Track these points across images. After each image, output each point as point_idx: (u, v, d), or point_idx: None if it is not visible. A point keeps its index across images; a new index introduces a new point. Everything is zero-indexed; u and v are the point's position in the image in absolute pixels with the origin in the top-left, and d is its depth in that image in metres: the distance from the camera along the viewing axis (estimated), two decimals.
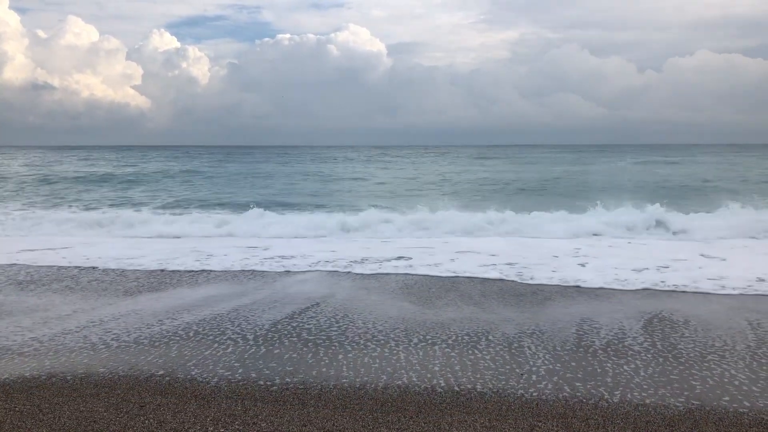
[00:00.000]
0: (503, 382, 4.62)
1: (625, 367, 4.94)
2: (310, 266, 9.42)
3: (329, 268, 9.32)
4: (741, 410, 4.11)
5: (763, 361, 5.06)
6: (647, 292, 7.61)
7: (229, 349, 5.38)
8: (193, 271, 9.15)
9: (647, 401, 4.26)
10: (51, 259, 10.15)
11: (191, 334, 5.83)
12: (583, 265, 9.49)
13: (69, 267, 9.45)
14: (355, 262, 9.79)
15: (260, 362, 5.07)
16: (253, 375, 4.78)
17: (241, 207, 18.38)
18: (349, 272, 8.98)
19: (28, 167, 45.84)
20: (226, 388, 4.52)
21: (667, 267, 9.17)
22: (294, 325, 6.13)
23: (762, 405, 4.19)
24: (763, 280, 8.14)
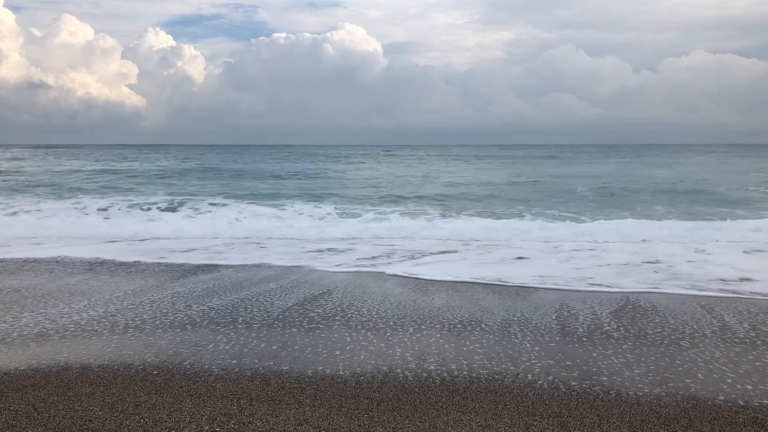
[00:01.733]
0: (499, 381, 4.63)
1: (622, 366, 4.96)
2: None
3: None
4: (736, 409, 4.14)
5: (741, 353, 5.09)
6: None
7: (229, 344, 5.38)
8: None
9: (642, 400, 4.28)
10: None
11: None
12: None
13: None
14: None
15: (256, 360, 5.08)
16: (248, 373, 4.79)
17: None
18: None
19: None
20: (221, 387, 4.51)
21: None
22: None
23: (757, 403, 4.22)
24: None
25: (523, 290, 7.74)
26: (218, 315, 6.50)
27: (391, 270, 9.05)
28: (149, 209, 18.63)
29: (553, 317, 6.40)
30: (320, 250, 11.00)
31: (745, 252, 10.75)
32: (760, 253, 10.66)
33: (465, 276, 8.59)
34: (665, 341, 5.59)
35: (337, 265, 9.50)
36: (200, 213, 17.77)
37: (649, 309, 6.73)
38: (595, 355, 5.22)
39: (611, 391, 4.43)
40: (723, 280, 8.32)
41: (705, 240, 12.03)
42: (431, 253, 10.66)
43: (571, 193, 24.69)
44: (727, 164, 48.20)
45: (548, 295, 7.44)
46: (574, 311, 6.63)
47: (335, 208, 18.72)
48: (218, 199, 20.91)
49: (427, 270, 9.04)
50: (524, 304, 7.01)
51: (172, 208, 18.87)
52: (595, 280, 8.34)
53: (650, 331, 5.89)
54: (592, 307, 6.81)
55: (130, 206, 19.15)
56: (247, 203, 19.99)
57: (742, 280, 8.33)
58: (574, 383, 4.58)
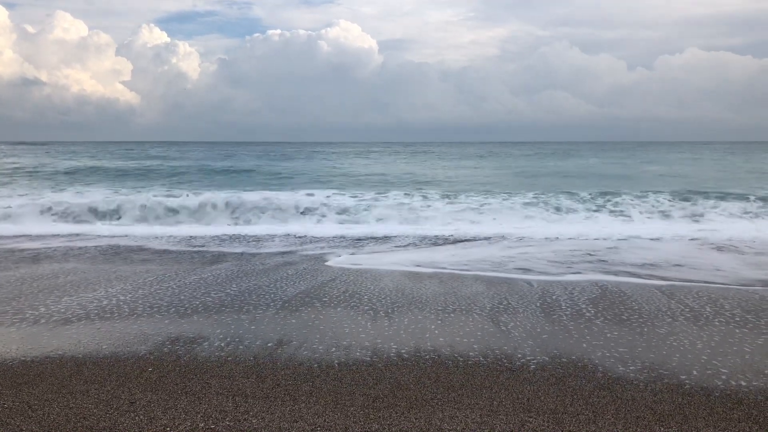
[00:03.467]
0: (494, 378, 4.64)
1: (618, 365, 4.97)
2: None
3: None
4: (731, 405, 4.15)
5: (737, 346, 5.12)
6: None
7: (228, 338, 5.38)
8: None
9: (637, 397, 4.29)
10: None
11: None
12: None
13: None
14: None
15: (251, 359, 5.07)
16: (243, 370, 4.78)
17: None
18: None
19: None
20: (216, 384, 4.51)
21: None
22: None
23: (752, 400, 4.24)
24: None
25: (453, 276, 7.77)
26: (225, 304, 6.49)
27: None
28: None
29: (538, 301, 6.43)
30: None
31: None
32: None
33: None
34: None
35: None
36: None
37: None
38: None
39: (606, 389, 4.44)
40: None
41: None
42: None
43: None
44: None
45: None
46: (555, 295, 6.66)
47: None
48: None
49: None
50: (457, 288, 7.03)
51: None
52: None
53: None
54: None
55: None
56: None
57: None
58: (570, 380, 4.59)
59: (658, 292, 7.36)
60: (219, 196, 16.67)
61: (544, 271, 8.82)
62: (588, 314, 6.41)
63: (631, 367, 4.85)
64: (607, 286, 7.77)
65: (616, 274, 8.60)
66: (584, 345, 5.40)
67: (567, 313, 6.46)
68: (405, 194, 18.88)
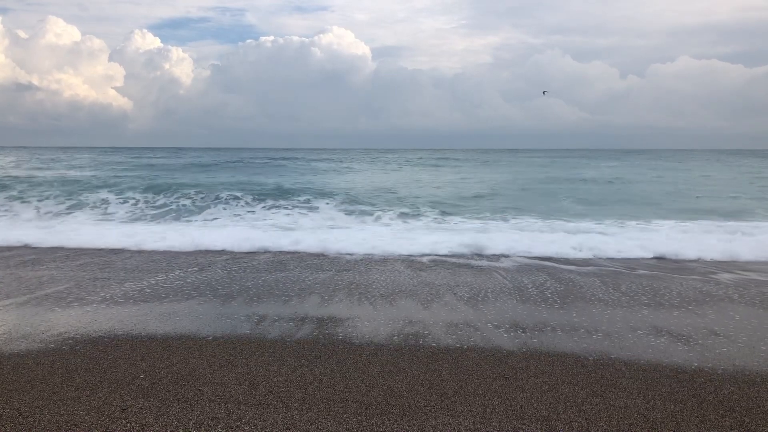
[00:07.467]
0: (487, 385, 4.64)
1: (610, 367, 4.98)
2: None
3: None
4: (722, 412, 4.17)
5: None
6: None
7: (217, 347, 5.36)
8: None
9: (629, 404, 4.30)
10: None
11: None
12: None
13: None
14: None
15: (242, 363, 5.05)
16: (235, 377, 4.77)
17: None
18: None
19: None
20: (209, 391, 4.49)
21: None
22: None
23: (744, 404, 4.25)
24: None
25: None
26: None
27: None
28: None
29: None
30: None
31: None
32: None
33: None
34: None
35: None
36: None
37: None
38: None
39: (599, 395, 4.45)
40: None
41: None
42: None
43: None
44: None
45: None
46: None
47: None
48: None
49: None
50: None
51: None
52: None
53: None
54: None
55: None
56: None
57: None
58: (564, 386, 4.60)
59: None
60: None
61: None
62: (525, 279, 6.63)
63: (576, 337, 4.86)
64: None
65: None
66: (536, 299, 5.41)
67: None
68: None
